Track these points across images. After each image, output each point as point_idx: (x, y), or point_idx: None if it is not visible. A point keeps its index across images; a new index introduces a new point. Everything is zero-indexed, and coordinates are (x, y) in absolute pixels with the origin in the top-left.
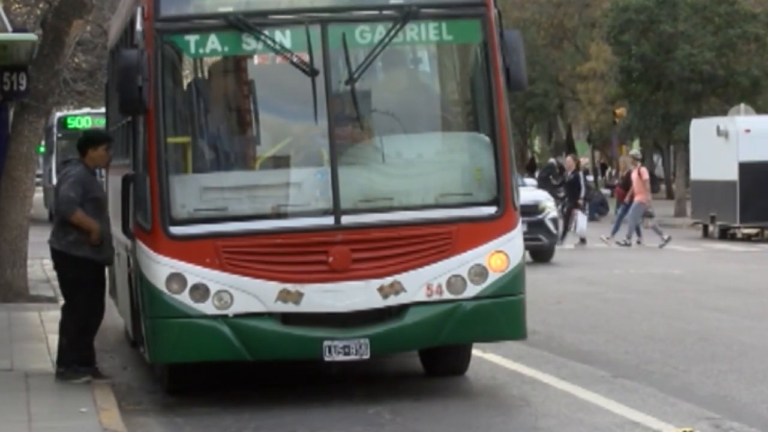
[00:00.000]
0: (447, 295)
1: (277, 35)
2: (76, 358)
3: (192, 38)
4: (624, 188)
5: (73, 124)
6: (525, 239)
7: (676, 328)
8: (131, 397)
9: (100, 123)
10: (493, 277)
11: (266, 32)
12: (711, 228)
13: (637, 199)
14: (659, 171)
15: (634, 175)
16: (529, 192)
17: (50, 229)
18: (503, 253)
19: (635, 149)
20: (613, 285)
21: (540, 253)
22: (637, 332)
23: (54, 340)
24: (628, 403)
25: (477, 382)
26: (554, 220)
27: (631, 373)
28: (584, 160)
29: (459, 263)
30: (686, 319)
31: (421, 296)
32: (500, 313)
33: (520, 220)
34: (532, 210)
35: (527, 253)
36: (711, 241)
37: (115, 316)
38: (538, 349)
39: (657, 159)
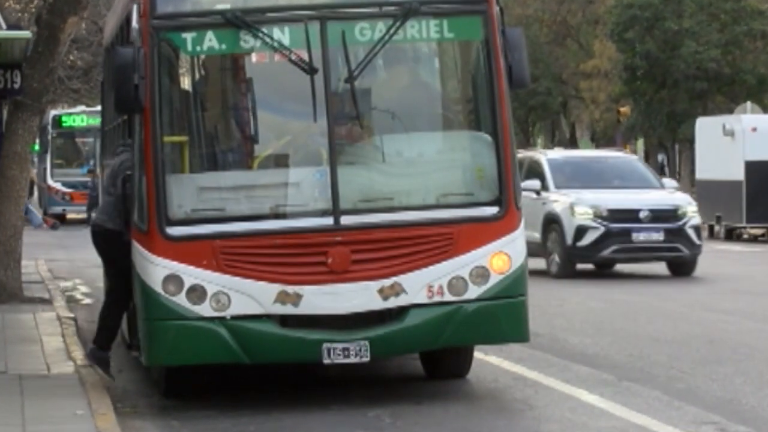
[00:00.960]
0: (448, 297)
1: (276, 33)
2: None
3: (189, 36)
4: None
5: (68, 122)
6: (662, 249)
7: (681, 331)
8: (127, 400)
9: (96, 121)
10: (495, 278)
11: (264, 30)
12: (717, 228)
13: None
14: (663, 170)
15: None
16: (668, 195)
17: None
18: (505, 254)
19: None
20: (617, 287)
21: (680, 266)
22: (642, 335)
23: (48, 341)
24: (632, 407)
25: (479, 385)
26: (696, 228)
27: (636, 376)
28: None
29: (460, 264)
30: (691, 321)
31: (422, 298)
32: (502, 315)
33: (523, 220)
34: (670, 216)
35: (665, 266)
36: (717, 241)
37: None
38: (541, 351)
39: (662, 158)
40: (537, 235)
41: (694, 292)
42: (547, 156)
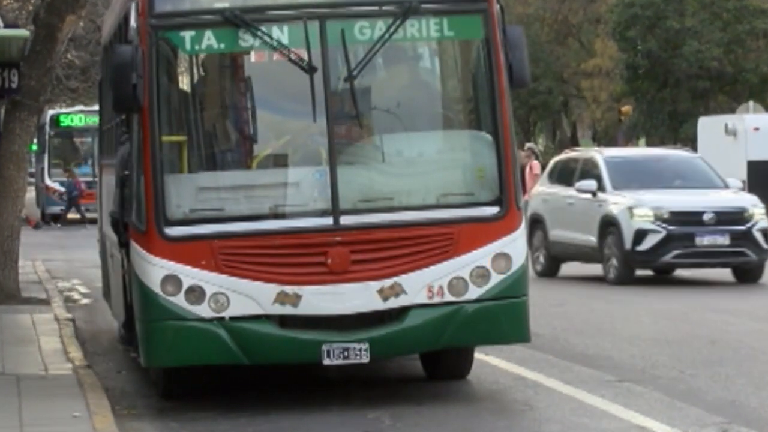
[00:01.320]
0: (448, 297)
1: (275, 31)
2: None
3: (187, 34)
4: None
5: (65, 121)
6: (727, 254)
7: (683, 331)
8: (125, 402)
9: (94, 121)
10: (495, 278)
11: (263, 28)
12: None
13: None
14: None
15: (526, 170)
16: (733, 196)
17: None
18: (506, 254)
19: (530, 143)
20: (619, 287)
21: (746, 272)
22: (644, 335)
23: (46, 342)
24: (634, 408)
25: (479, 386)
26: (764, 231)
27: (638, 377)
28: None
29: (461, 265)
30: (694, 321)
31: (422, 298)
32: (503, 316)
33: (524, 220)
34: (736, 218)
35: (730, 272)
36: None
37: (108, 319)
38: (542, 352)
39: None
40: (593, 239)
41: (696, 292)
42: (603, 155)
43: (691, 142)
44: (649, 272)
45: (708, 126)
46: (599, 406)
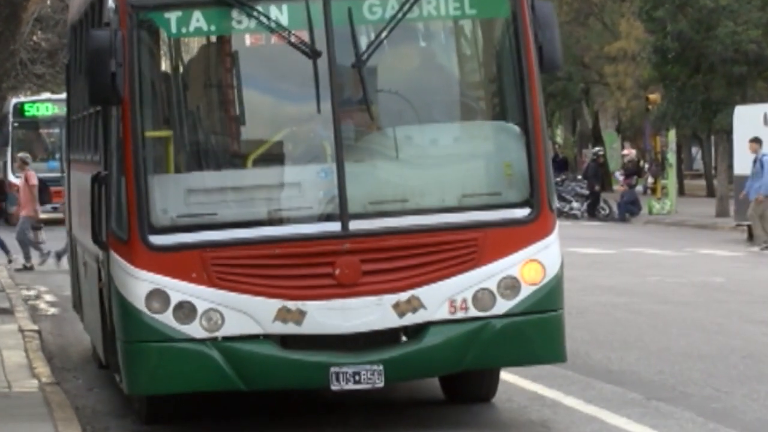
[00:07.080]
0: (473, 312)
1: (273, 11)
2: None
3: (173, 15)
4: None
5: (31, 111)
6: None
7: (717, 345)
8: (97, 422)
9: (62, 110)
10: (526, 290)
11: (259, 8)
12: None
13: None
14: (698, 165)
15: (21, 182)
16: None
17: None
18: (538, 262)
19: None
20: (647, 295)
21: None
22: (674, 349)
23: (9, 356)
24: (663, 429)
25: (491, 405)
26: None
27: (667, 396)
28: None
29: (487, 275)
30: (729, 333)
31: (444, 314)
32: (535, 333)
33: (557, 223)
34: None
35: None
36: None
37: (78, 331)
38: (560, 368)
39: (696, 151)
40: None
41: (731, 301)
42: None
43: (727, 134)
44: (678, 278)
45: (745, 115)
46: (624, 427)
